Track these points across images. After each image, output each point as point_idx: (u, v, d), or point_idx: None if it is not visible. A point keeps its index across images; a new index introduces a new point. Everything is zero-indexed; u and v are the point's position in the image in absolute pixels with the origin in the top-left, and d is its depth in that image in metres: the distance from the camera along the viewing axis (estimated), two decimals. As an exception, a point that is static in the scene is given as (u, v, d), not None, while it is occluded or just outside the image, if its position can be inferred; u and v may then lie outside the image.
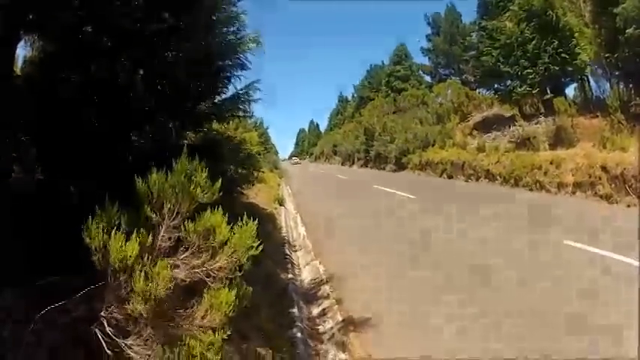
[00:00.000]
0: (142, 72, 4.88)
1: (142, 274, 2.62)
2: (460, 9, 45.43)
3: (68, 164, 4.01)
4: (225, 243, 2.98)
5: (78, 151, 4.00)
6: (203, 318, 2.83)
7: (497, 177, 18.95)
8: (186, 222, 2.93)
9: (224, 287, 2.88)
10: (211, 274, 2.91)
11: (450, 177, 23.55)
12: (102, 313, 2.74)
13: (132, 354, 2.71)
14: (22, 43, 4.64)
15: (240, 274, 3.04)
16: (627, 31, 16.59)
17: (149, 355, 2.72)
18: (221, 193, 3.19)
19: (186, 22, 5.00)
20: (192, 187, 2.94)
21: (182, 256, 2.92)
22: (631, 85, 19.31)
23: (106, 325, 2.72)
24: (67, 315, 2.77)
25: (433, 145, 28.60)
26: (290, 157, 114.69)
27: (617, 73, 19.87)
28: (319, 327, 6.41)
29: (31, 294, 2.90)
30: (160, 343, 2.74)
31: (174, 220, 2.92)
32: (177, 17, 4.91)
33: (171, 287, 2.70)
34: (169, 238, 2.93)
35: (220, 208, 3.03)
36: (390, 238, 11.26)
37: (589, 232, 9.11)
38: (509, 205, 13.92)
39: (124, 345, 2.71)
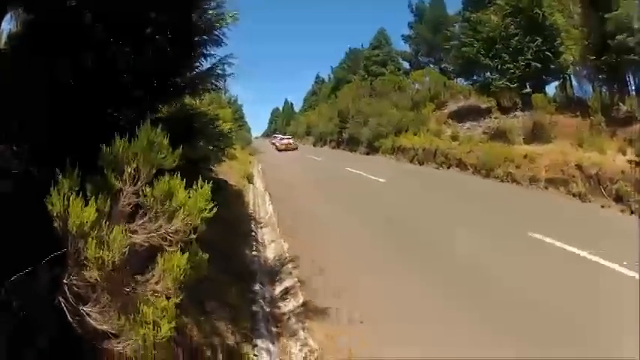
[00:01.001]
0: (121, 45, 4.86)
1: (94, 240, 2.61)
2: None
3: (46, 139, 3.88)
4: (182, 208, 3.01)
5: (55, 126, 3.91)
6: (157, 283, 2.86)
7: (469, 166, 18.92)
8: (145, 187, 2.95)
9: (178, 251, 2.91)
10: (168, 237, 2.93)
11: (421, 163, 23.45)
12: (64, 280, 2.75)
13: (91, 321, 2.71)
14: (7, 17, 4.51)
15: (194, 237, 3.03)
16: (617, 37, 16.87)
17: (106, 322, 2.72)
18: (182, 162, 3.21)
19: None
20: (152, 153, 2.96)
21: (141, 222, 2.95)
22: (615, 90, 19.48)
23: (67, 292, 2.73)
24: (37, 281, 2.80)
25: (407, 131, 28.51)
26: (269, 135, 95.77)
27: (601, 77, 19.96)
28: (280, 304, 6.54)
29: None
30: (117, 310, 2.74)
31: (135, 185, 2.95)
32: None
33: (126, 252, 2.69)
34: (129, 204, 2.96)
35: (179, 174, 3.06)
36: (363, 221, 11.46)
37: (559, 228, 9.19)
38: (482, 196, 14.22)
39: (83, 312, 2.72)
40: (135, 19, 4.71)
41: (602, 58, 17.98)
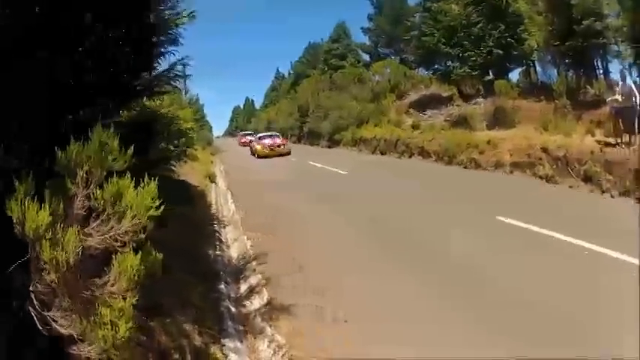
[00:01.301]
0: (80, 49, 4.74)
1: (48, 242, 2.63)
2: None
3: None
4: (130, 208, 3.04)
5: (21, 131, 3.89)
6: (113, 285, 2.89)
7: (432, 154, 18.99)
8: (96, 189, 2.97)
9: (131, 252, 2.93)
10: (119, 238, 2.95)
11: (383, 153, 23.56)
12: (30, 288, 2.78)
13: (57, 327, 2.73)
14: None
15: (143, 236, 3.04)
16: (584, 22, 17.44)
17: (70, 326, 2.73)
18: (142, 163, 3.40)
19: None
20: (103, 156, 3.00)
21: (95, 224, 2.97)
22: (582, 74, 19.87)
23: (34, 299, 2.77)
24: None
25: (367, 123, 28.57)
26: (231, 134, 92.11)
27: (567, 61, 20.51)
28: (246, 302, 6.40)
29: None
30: (78, 314, 2.76)
31: (88, 188, 2.96)
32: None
33: (79, 253, 2.71)
34: (83, 207, 2.97)
35: (135, 176, 3.07)
36: (329, 213, 11.32)
37: (524, 210, 9.28)
38: (445, 182, 14.37)
39: (49, 318, 2.75)
40: (91, 21, 4.58)
41: (567, 43, 18.40)
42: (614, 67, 21.04)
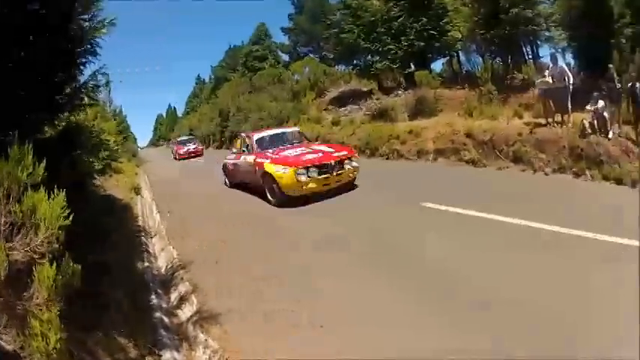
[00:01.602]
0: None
1: None
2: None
3: None
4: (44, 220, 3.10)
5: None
6: (37, 297, 2.95)
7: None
8: (15, 204, 3.06)
9: (47, 263, 2.99)
10: (37, 250, 3.02)
11: None
12: None
13: (3, 343, 2.80)
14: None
15: (57, 246, 3.08)
16: (512, 10, 17.94)
17: (12, 342, 2.81)
18: (66, 178, 3.75)
19: (49, 11, 4.90)
20: (19, 171, 3.07)
21: (17, 238, 3.04)
22: (510, 61, 20.69)
23: None
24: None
25: (287, 122, 28.26)
26: (155, 144, 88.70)
27: (493, 49, 21.00)
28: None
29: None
30: (15, 328, 2.84)
31: (9, 204, 3.04)
32: (43, 6, 4.87)
33: (7, 269, 2.79)
34: (6, 222, 3.04)
35: (42, 188, 3.12)
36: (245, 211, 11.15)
37: (448, 194, 9.28)
38: (365, 173, 13.45)
39: None
40: (12, 35, 4.63)
41: (493, 31, 18.80)
42: (545, 52, 22.02)
